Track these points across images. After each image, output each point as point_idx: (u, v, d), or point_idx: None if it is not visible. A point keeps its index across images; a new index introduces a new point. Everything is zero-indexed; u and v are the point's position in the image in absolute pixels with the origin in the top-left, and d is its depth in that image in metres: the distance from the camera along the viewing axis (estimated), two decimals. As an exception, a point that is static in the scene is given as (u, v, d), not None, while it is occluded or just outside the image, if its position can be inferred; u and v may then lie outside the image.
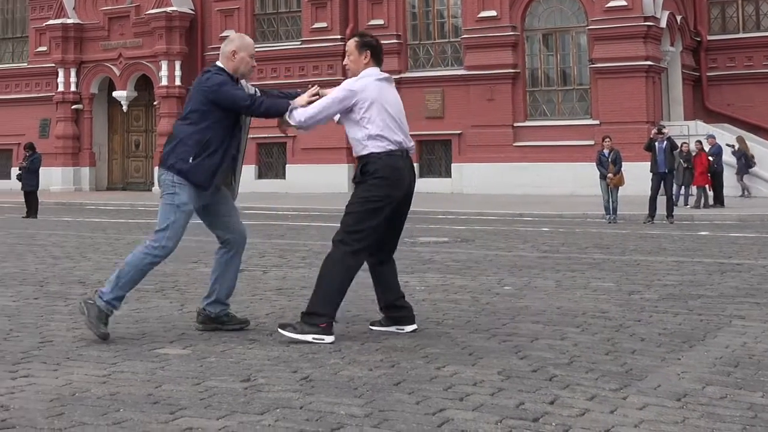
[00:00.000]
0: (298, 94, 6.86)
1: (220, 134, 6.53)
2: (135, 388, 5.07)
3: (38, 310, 7.78)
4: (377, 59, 6.80)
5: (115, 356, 5.87)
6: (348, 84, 6.64)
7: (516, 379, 5.28)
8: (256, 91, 6.86)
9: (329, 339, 6.32)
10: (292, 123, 6.65)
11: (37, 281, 9.68)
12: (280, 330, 6.39)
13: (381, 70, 6.80)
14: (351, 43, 6.84)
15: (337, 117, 6.76)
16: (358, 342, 6.33)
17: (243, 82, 6.85)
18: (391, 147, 6.55)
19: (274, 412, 4.61)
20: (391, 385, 5.13)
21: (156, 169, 35.07)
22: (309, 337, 6.29)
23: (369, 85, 6.62)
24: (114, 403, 4.76)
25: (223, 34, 33.35)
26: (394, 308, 6.80)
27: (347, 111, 6.61)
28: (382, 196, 6.47)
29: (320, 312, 6.38)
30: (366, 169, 6.54)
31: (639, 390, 5.04)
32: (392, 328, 6.76)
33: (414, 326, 6.78)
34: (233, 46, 6.75)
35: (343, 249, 6.48)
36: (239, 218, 6.97)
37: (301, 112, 6.60)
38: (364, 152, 6.56)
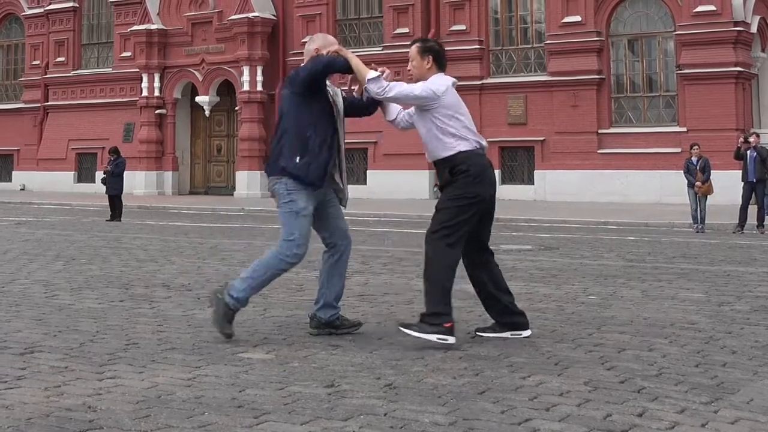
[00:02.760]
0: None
1: (319, 129, 6.53)
2: (219, 391, 5.08)
3: (123, 312, 7.87)
4: (440, 64, 6.79)
5: (199, 360, 5.90)
6: (432, 85, 6.60)
7: (603, 390, 5.17)
8: (339, 95, 6.87)
9: (452, 340, 6.32)
10: (374, 89, 6.59)
11: (122, 284, 9.81)
12: (403, 329, 6.39)
13: (444, 74, 6.77)
14: (413, 49, 6.84)
15: (398, 115, 6.86)
16: (441, 350, 6.27)
17: (333, 89, 6.85)
18: (476, 146, 6.63)
19: (357, 418, 4.57)
20: (476, 394, 5.06)
21: (237, 174, 35.26)
22: (434, 337, 6.28)
23: (449, 91, 6.66)
24: (199, 407, 4.76)
25: (305, 40, 33.64)
26: (510, 314, 6.78)
27: (425, 112, 6.62)
28: (474, 193, 6.53)
29: (440, 311, 6.36)
30: (457, 168, 6.54)
31: (731, 404, 4.90)
32: (506, 334, 6.71)
33: (529, 331, 6.77)
34: (317, 44, 6.80)
35: (440, 244, 6.49)
36: (345, 222, 6.96)
37: (382, 84, 6.57)
38: (451, 152, 6.57)
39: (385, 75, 6.70)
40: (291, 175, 6.50)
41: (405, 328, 6.39)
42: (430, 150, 6.76)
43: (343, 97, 7.01)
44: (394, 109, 6.97)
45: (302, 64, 6.83)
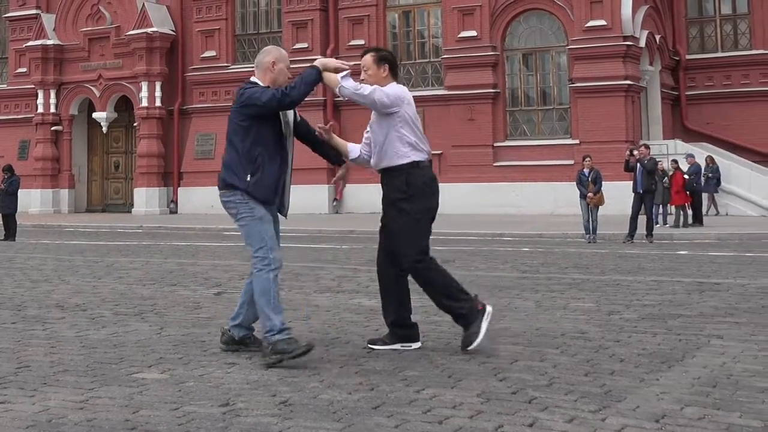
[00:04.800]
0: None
1: (267, 147, 6.48)
2: (112, 413, 5.04)
3: (15, 334, 7.72)
4: (395, 73, 6.92)
5: (92, 381, 5.83)
6: (397, 92, 6.71)
7: (495, 401, 5.27)
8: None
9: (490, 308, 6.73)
10: (350, 88, 6.61)
11: (14, 305, 9.61)
12: (468, 349, 6.63)
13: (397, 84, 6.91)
14: (368, 58, 6.86)
15: (361, 153, 6.99)
16: (337, 365, 6.31)
17: None
18: (428, 156, 6.85)
19: (252, 437, 4.58)
20: (371, 409, 5.11)
21: (135, 191, 34.65)
22: (484, 326, 6.63)
23: (410, 100, 6.82)
24: (91, 430, 4.72)
25: (204, 55, 33.45)
26: (403, 327, 6.92)
27: (386, 118, 6.71)
28: (428, 207, 6.80)
29: (468, 306, 6.71)
30: (411, 181, 6.69)
31: (618, 411, 5.04)
32: (396, 346, 6.84)
33: (419, 343, 6.93)
34: (272, 57, 6.69)
35: (421, 272, 6.73)
36: (279, 242, 6.88)
37: (356, 85, 6.63)
38: (406, 161, 6.69)
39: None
40: (243, 191, 6.47)
41: (467, 346, 6.63)
42: (384, 157, 6.78)
43: (299, 120, 6.96)
44: (355, 148, 6.97)
45: (252, 82, 6.64)
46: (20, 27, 38.03)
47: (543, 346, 7.02)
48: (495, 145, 29.73)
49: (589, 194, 19.74)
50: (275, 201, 6.57)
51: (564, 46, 29.41)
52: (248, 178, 6.44)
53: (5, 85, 38.59)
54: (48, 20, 36.80)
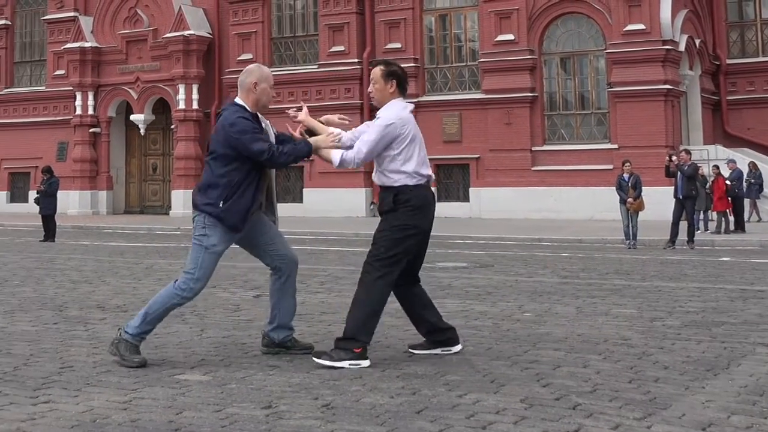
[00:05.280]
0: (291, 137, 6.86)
1: (247, 175, 6.51)
2: (156, 414, 5.05)
3: (58, 335, 7.78)
4: (402, 89, 6.83)
5: (135, 382, 5.85)
6: (387, 119, 6.62)
7: (539, 407, 5.23)
8: (272, 129, 6.88)
9: (365, 363, 6.36)
10: (350, 164, 6.67)
11: (56, 306, 9.69)
12: (315, 359, 6.38)
13: (404, 99, 6.83)
14: (376, 71, 6.83)
15: (343, 154, 6.80)
16: (378, 369, 6.30)
17: (265, 122, 6.84)
18: (422, 181, 6.68)
19: (295, 440, 4.57)
20: (413, 413, 5.09)
21: (173, 193, 35.01)
22: (345, 363, 6.30)
23: (409, 120, 6.72)
24: (135, 430, 4.73)
25: (241, 58, 33.54)
26: (439, 331, 6.89)
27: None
28: (413, 224, 6.60)
29: (356, 337, 6.39)
30: (399, 198, 6.60)
31: (663, 419, 4.99)
32: (437, 350, 6.83)
33: (460, 346, 6.90)
34: (254, 78, 6.72)
35: (376, 275, 6.54)
36: (285, 243, 6.93)
37: (351, 156, 6.61)
38: (396, 184, 6.62)
39: (338, 137, 6.75)
40: (212, 215, 6.49)
41: (317, 358, 6.41)
42: (377, 175, 6.78)
43: (277, 134, 7.01)
44: (336, 153, 6.79)
45: (238, 105, 6.67)
46: (58, 29, 38.35)
47: (585, 352, 6.96)
48: (533, 149, 29.59)
49: (629, 199, 19.61)
50: (243, 228, 6.57)
51: (602, 50, 29.21)
52: (221, 204, 6.47)
53: (43, 87, 38.92)
54: (86, 23, 37.09)
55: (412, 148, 6.65)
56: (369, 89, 6.96)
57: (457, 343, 6.91)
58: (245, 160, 6.49)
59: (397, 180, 6.61)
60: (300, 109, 7.11)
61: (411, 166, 6.61)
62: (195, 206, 6.63)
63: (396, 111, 6.69)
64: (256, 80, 6.70)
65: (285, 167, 6.72)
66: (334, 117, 7.09)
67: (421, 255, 6.93)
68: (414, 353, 6.84)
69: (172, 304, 6.54)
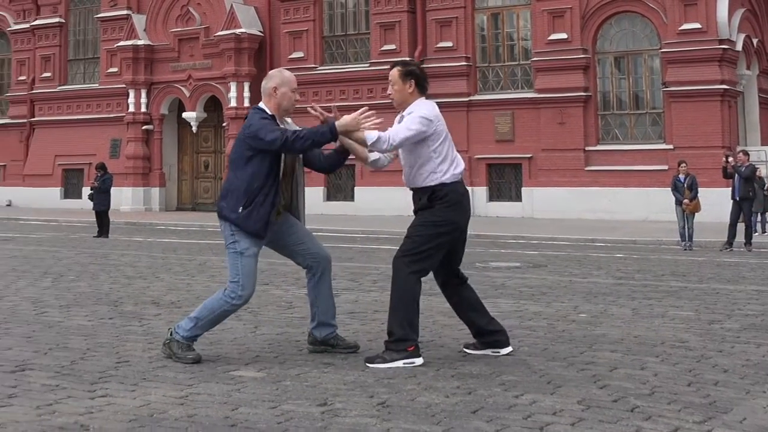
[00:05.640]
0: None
1: (266, 180, 6.48)
2: (212, 410, 5.06)
3: (113, 330, 7.84)
4: (422, 88, 6.75)
5: (191, 378, 5.87)
6: (424, 115, 6.55)
7: (596, 409, 5.17)
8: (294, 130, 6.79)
9: (419, 361, 6.35)
10: (382, 147, 6.53)
11: (111, 301, 9.77)
12: (369, 365, 6.33)
13: (426, 98, 6.75)
14: (394, 73, 6.76)
15: (380, 157, 6.82)
16: (433, 368, 6.27)
17: (288, 120, 6.83)
18: (458, 178, 6.65)
19: (352, 438, 4.55)
20: (469, 413, 5.05)
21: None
22: (400, 363, 6.28)
23: (440, 117, 6.66)
24: (192, 425, 4.74)
25: (292, 56, 33.64)
26: (487, 333, 6.84)
27: (418, 142, 6.58)
28: (450, 220, 6.55)
29: (403, 337, 6.34)
30: (435, 195, 6.55)
31: (724, 423, 4.91)
32: (487, 351, 6.79)
33: (509, 348, 6.83)
34: (274, 83, 6.73)
35: (407, 270, 6.49)
36: (314, 241, 6.94)
37: (387, 136, 6.50)
38: (434, 182, 6.56)
39: (371, 113, 6.62)
40: (233, 222, 6.50)
41: (370, 363, 6.36)
42: (413, 178, 6.69)
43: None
44: (372, 132, 6.69)
45: (260, 109, 6.66)
46: (111, 27, 38.73)
47: (642, 354, 6.87)
48: (587, 149, 29.32)
49: (685, 200, 19.38)
50: (265, 233, 6.54)
51: (657, 49, 28.87)
52: (240, 210, 6.47)
53: (97, 85, 39.33)
54: (138, 21, 37.43)
55: (446, 145, 6.62)
56: (388, 91, 6.86)
57: (507, 346, 6.84)
58: (263, 162, 6.45)
59: (434, 179, 6.56)
60: (329, 110, 6.98)
61: (446, 163, 6.57)
62: (219, 214, 6.64)
63: (427, 107, 6.63)
64: (276, 85, 6.71)
65: (304, 152, 6.57)
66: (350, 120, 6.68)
67: (458, 252, 6.86)
68: (468, 353, 6.82)
69: (224, 311, 6.55)
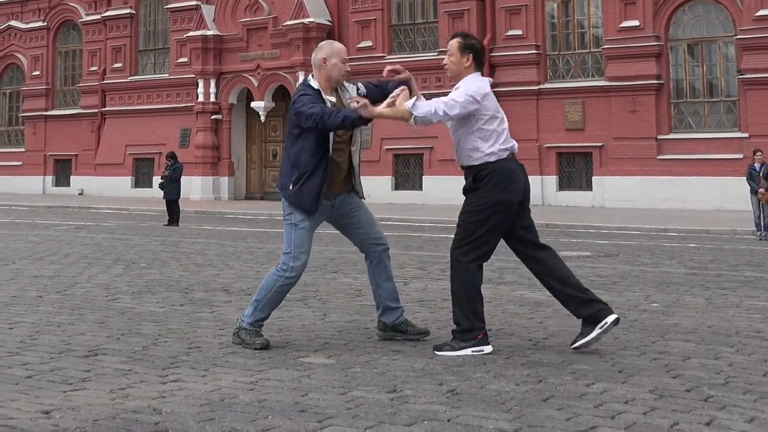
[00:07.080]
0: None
1: (313, 157, 6.47)
2: (282, 395, 5.08)
3: (184, 316, 7.92)
4: (479, 62, 6.62)
5: (261, 364, 5.91)
6: (471, 90, 6.40)
7: (669, 398, 5.09)
8: (359, 88, 6.82)
9: (488, 349, 6.30)
10: (425, 116, 6.37)
11: (182, 288, 9.88)
12: (437, 353, 6.29)
13: (482, 75, 6.62)
14: (453, 43, 6.66)
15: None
16: (502, 356, 6.22)
17: (347, 85, 6.79)
18: (504, 155, 6.46)
19: (422, 424, 4.54)
20: (540, 401, 5.00)
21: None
22: (468, 351, 6.24)
23: (489, 94, 6.50)
24: (262, 410, 4.77)
25: (360, 45, 33.68)
26: (584, 305, 6.43)
27: (463, 118, 6.45)
28: (498, 200, 6.35)
29: (469, 327, 6.30)
30: (480, 175, 6.43)
31: (801, 414, 4.79)
32: (595, 333, 6.34)
33: (614, 316, 6.40)
34: (324, 53, 6.70)
35: (464, 260, 6.39)
36: (373, 227, 6.87)
37: (427, 107, 6.37)
38: (478, 162, 6.44)
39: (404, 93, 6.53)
40: (286, 197, 6.57)
41: (438, 351, 6.31)
42: (461, 154, 6.58)
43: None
44: (420, 101, 6.54)
45: (307, 84, 6.67)
46: (181, 18, 39.14)
47: (716, 344, 6.75)
48: (659, 137, 28.90)
49: (761, 190, 19.04)
50: (316, 208, 6.51)
51: (732, 36, 28.33)
52: (291, 186, 6.51)
53: (167, 75, 39.80)
54: (208, 11, 37.76)
55: (494, 124, 6.44)
56: (444, 61, 6.75)
57: (611, 313, 6.41)
58: (309, 139, 6.45)
59: (478, 158, 6.42)
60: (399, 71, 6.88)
61: (489, 142, 6.39)
62: (279, 188, 6.71)
63: (478, 84, 6.47)
64: (326, 56, 6.68)
65: (335, 130, 6.51)
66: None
67: (526, 227, 6.56)
68: (579, 349, 6.37)
69: (279, 286, 6.53)
